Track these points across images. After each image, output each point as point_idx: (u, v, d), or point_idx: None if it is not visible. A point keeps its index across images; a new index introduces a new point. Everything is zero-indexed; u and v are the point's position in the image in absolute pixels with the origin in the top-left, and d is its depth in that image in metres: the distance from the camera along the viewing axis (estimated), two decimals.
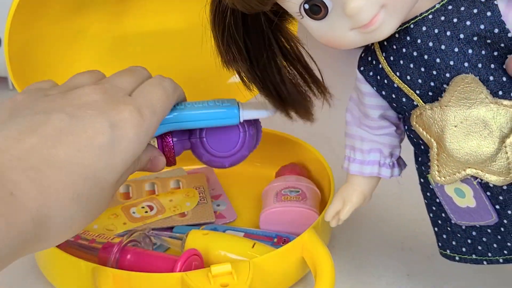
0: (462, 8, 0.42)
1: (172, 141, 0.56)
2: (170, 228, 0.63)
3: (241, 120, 0.55)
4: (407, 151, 0.51)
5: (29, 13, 0.57)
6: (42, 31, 0.62)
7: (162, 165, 0.55)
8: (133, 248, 0.55)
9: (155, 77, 0.53)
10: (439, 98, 0.44)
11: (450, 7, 0.42)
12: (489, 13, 0.41)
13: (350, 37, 0.42)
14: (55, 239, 0.43)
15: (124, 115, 0.46)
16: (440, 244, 0.50)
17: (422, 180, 0.49)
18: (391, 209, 0.65)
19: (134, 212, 0.64)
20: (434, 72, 0.43)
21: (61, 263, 0.54)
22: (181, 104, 0.55)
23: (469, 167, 0.44)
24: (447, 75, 0.43)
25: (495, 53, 0.42)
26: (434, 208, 0.49)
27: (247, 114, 0.55)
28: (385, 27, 0.41)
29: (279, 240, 0.59)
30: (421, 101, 0.45)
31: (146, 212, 0.64)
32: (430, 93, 0.44)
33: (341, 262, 0.58)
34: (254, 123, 0.58)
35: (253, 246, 0.55)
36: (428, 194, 0.49)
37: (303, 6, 0.42)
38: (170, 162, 0.57)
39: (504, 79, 0.42)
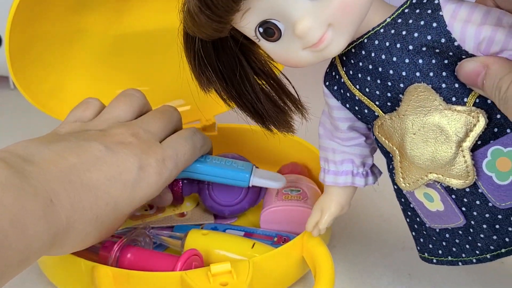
0: (410, 21, 0.43)
1: (182, 183, 0.63)
2: (169, 228, 0.64)
3: (250, 185, 0.60)
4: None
5: (29, 12, 0.58)
6: (42, 30, 0.63)
7: (169, 201, 0.62)
8: (133, 247, 0.56)
9: (189, 129, 0.59)
10: (397, 108, 0.45)
11: (399, 20, 0.44)
12: (435, 24, 0.42)
13: (303, 57, 0.44)
14: (68, 248, 0.49)
15: (151, 161, 0.53)
16: (418, 247, 0.52)
17: (395, 186, 0.50)
18: (392, 209, 0.65)
19: None
20: (389, 83, 0.44)
21: (61, 262, 0.55)
22: (203, 157, 0.61)
23: (431, 173, 0.45)
24: (401, 85, 0.44)
25: (446, 61, 0.43)
26: (409, 213, 0.51)
27: (256, 181, 0.60)
28: (334, 45, 0.43)
29: (279, 239, 0.60)
30: (381, 112, 0.46)
31: (146, 210, 0.66)
32: (389, 103, 0.45)
33: (341, 262, 0.59)
34: None
35: (252, 246, 0.56)
36: (402, 200, 0.51)
37: (258, 29, 0.44)
38: (178, 201, 0.64)
39: (456, 85, 0.43)
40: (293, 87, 0.53)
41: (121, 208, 0.51)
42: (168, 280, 0.51)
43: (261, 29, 0.44)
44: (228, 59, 0.51)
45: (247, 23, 0.43)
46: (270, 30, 0.43)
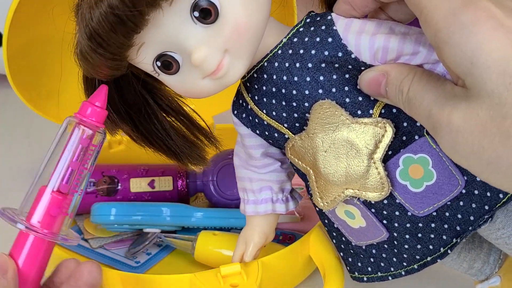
0: (306, 39, 0.43)
1: (187, 183, 0.65)
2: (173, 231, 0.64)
3: None
4: None
5: (25, 16, 0.58)
6: (38, 33, 0.63)
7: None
8: None
9: None
10: (305, 127, 0.45)
11: (295, 39, 0.43)
12: (330, 39, 0.42)
13: (204, 86, 0.43)
14: None
15: None
16: (348, 268, 0.51)
17: (317, 209, 0.50)
18: None
19: None
20: (294, 104, 0.44)
21: None
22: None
23: (347, 188, 0.45)
24: (306, 104, 0.44)
25: (347, 76, 0.43)
26: (334, 234, 0.50)
27: None
28: (233, 71, 0.42)
29: (284, 237, 0.61)
30: (290, 133, 0.46)
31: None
32: (297, 124, 0.45)
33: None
34: None
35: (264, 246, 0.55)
36: (326, 221, 0.50)
37: (156, 63, 0.43)
38: (184, 201, 0.66)
39: (360, 98, 0.43)
40: (204, 121, 0.52)
41: None
42: (177, 282, 0.51)
43: (158, 63, 0.43)
44: (132, 99, 0.49)
45: (143, 58, 0.43)
46: (167, 63, 0.43)
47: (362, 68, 0.42)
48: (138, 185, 0.65)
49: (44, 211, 0.45)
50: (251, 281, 0.51)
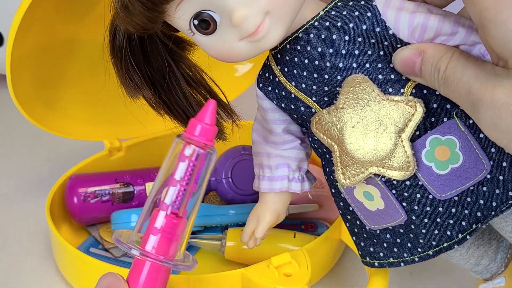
0: (345, 12, 0.43)
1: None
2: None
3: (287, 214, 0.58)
4: None
5: (26, 24, 0.57)
6: (34, 43, 0.62)
7: None
8: None
9: None
10: (334, 101, 0.44)
11: (333, 12, 0.44)
12: (369, 14, 0.43)
13: (240, 48, 0.43)
14: None
15: None
16: (360, 252, 0.50)
17: (333, 190, 0.49)
18: None
19: None
20: (326, 76, 0.44)
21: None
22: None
23: (371, 166, 0.45)
24: (338, 77, 0.44)
25: (381, 53, 0.43)
26: (348, 217, 0.50)
27: (292, 209, 0.61)
28: (272, 34, 0.42)
29: (306, 226, 0.61)
30: (318, 107, 0.45)
31: None
32: (326, 98, 0.45)
33: (344, 260, 0.60)
34: None
35: (294, 236, 0.57)
36: (341, 204, 0.49)
37: (192, 22, 0.43)
38: None
39: (392, 76, 0.43)
40: (223, 94, 0.52)
41: None
42: (229, 279, 0.51)
43: (195, 21, 0.43)
44: (158, 65, 0.49)
45: (181, 14, 0.42)
46: (205, 22, 0.42)
47: (398, 45, 0.43)
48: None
49: (160, 236, 0.43)
50: (303, 269, 0.51)
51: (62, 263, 0.58)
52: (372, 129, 0.44)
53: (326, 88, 0.45)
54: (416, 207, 0.45)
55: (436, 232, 0.45)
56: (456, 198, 0.44)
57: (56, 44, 0.66)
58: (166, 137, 0.72)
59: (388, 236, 0.48)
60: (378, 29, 0.43)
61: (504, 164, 0.42)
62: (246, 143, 0.60)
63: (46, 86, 0.67)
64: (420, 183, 0.44)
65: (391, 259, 0.48)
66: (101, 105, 0.71)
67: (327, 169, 0.49)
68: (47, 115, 0.67)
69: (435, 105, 0.43)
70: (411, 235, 0.47)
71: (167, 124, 0.69)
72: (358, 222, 0.49)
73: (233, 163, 0.65)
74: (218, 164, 0.65)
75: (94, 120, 0.71)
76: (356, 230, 0.50)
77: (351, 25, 0.43)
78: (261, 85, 0.48)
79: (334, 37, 0.43)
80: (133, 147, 0.72)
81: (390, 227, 0.47)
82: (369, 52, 0.43)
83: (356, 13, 0.43)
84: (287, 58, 0.46)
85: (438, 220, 0.45)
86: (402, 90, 0.43)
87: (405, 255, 0.47)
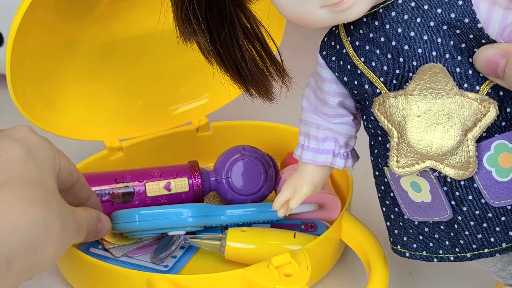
0: None
1: (201, 183, 0.63)
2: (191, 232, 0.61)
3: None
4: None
5: (26, 24, 0.56)
6: (33, 43, 0.61)
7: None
8: None
9: None
10: (404, 86, 0.43)
11: None
12: (460, 2, 0.40)
13: (320, 15, 0.41)
14: None
15: None
16: (391, 239, 0.49)
17: (377, 173, 0.48)
18: None
19: None
20: (401, 60, 0.42)
21: (113, 277, 0.53)
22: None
23: (429, 159, 0.43)
24: (414, 63, 0.42)
25: (463, 45, 0.41)
26: (387, 202, 0.48)
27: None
28: (357, 7, 0.40)
29: (306, 226, 0.60)
30: (385, 89, 0.43)
31: None
32: (395, 81, 0.43)
33: (342, 260, 0.60)
34: (274, 166, 0.64)
35: (294, 236, 0.56)
36: (382, 187, 0.48)
37: None
38: (199, 200, 0.64)
39: (470, 72, 0.41)
40: (280, 54, 0.50)
41: None
42: (229, 279, 0.51)
43: None
44: (219, 12, 0.46)
45: None
46: None
47: (483, 41, 0.41)
48: (155, 188, 0.63)
49: None
50: (303, 269, 0.51)
51: (62, 263, 0.57)
52: (438, 122, 0.42)
53: (397, 71, 0.43)
54: (465, 208, 0.44)
55: (480, 236, 0.44)
56: (509, 207, 0.43)
57: (57, 44, 0.65)
58: (166, 137, 0.72)
59: (426, 229, 0.47)
60: (466, 20, 0.40)
61: None
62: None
63: (46, 86, 0.66)
64: (475, 185, 0.43)
65: (424, 253, 0.47)
66: (101, 105, 0.71)
67: (375, 151, 0.47)
68: (47, 115, 0.66)
69: (508, 110, 0.42)
70: (452, 234, 0.45)
71: (167, 124, 0.71)
72: (396, 209, 0.48)
73: (233, 163, 0.63)
74: (218, 164, 0.64)
75: (94, 120, 0.71)
76: (392, 216, 0.48)
77: (439, 10, 0.41)
78: (324, 52, 0.46)
79: (418, 20, 0.41)
80: (133, 147, 0.71)
81: (431, 222, 0.46)
82: (452, 42, 0.41)
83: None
84: (361, 31, 0.43)
85: (485, 225, 0.44)
86: (477, 88, 0.41)
87: (441, 251, 0.46)
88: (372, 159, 0.48)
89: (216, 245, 0.57)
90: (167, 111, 0.74)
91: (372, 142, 0.47)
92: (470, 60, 0.41)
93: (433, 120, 0.42)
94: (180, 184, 0.64)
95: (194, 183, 0.63)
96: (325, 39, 0.46)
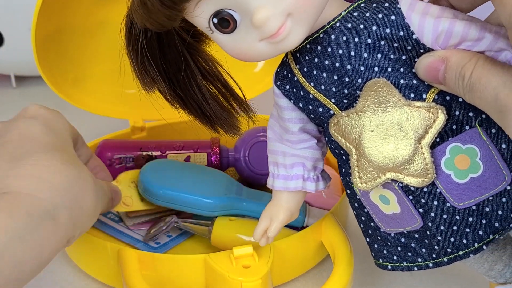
0: (368, 14, 0.42)
1: (220, 159, 0.68)
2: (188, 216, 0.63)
3: (305, 225, 0.61)
4: None
5: (54, 3, 0.60)
6: (66, 21, 0.65)
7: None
8: None
9: None
10: (354, 104, 0.44)
11: (355, 13, 0.43)
12: (393, 17, 0.42)
13: (259, 49, 0.42)
14: None
15: None
16: (373, 254, 0.50)
17: (348, 191, 0.49)
18: None
19: None
20: (347, 79, 0.43)
21: (87, 246, 0.56)
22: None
23: (389, 171, 0.44)
24: (359, 80, 0.43)
25: (404, 57, 0.42)
26: (363, 218, 0.49)
27: (310, 221, 0.61)
28: (293, 36, 0.41)
29: None
30: (337, 109, 0.45)
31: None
32: (345, 100, 0.44)
33: None
34: None
35: None
36: (356, 205, 0.49)
37: (212, 20, 0.42)
38: None
39: (415, 81, 0.42)
40: (240, 89, 0.51)
41: None
42: (192, 262, 0.53)
43: (215, 20, 0.42)
44: (173, 58, 0.48)
45: (201, 13, 0.41)
46: (225, 21, 0.41)
47: (421, 50, 0.42)
48: (175, 159, 0.67)
49: None
50: (262, 263, 0.51)
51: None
52: (391, 134, 0.43)
53: (346, 91, 0.44)
54: (432, 214, 0.45)
55: (452, 239, 0.45)
56: (474, 207, 0.43)
57: (89, 24, 0.69)
58: (190, 122, 0.71)
59: (402, 240, 0.47)
60: (401, 33, 0.42)
61: None
62: None
63: (74, 64, 0.70)
64: (438, 190, 0.44)
65: (405, 263, 0.48)
66: (129, 86, 0.72)
67: (343, 170, 0.48)
68: (74, 93, 0.70)
69: (457, 113, 0.43)
70: (426, 241, 0.46)
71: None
72: (372, 224, 0.49)
73: (251, 144, 0.67)
74: (239, 142, 0.68)
75: (121, 99, 0.73)
76: (370, 232, 0.49)
77: (374, 27, 0.42)
78: (278, 82, 0.47)
79: (356, 39, 0.42)
80: (156, 129, 0.74)
81: (405, 232, 0.47)
82: (392, 56, 0.42)
83: (380, 16, 0.42)
84: (307, 58, 0.45)
85: (455, 228, 0.44)
86: (424, 96, 0.42)
87: (419, 260, 0.47)
88: (342, 178, 0.49)
89: (204, 231, 0.59)
90: None
91: (339, 162, 0.48)
92: (413, 70, 0.42)
93: (386, 133, 0.43)
94: (199, 159, 0.68)
95: (213, 158, 0.67)
96: (278, 70, 0.48)
